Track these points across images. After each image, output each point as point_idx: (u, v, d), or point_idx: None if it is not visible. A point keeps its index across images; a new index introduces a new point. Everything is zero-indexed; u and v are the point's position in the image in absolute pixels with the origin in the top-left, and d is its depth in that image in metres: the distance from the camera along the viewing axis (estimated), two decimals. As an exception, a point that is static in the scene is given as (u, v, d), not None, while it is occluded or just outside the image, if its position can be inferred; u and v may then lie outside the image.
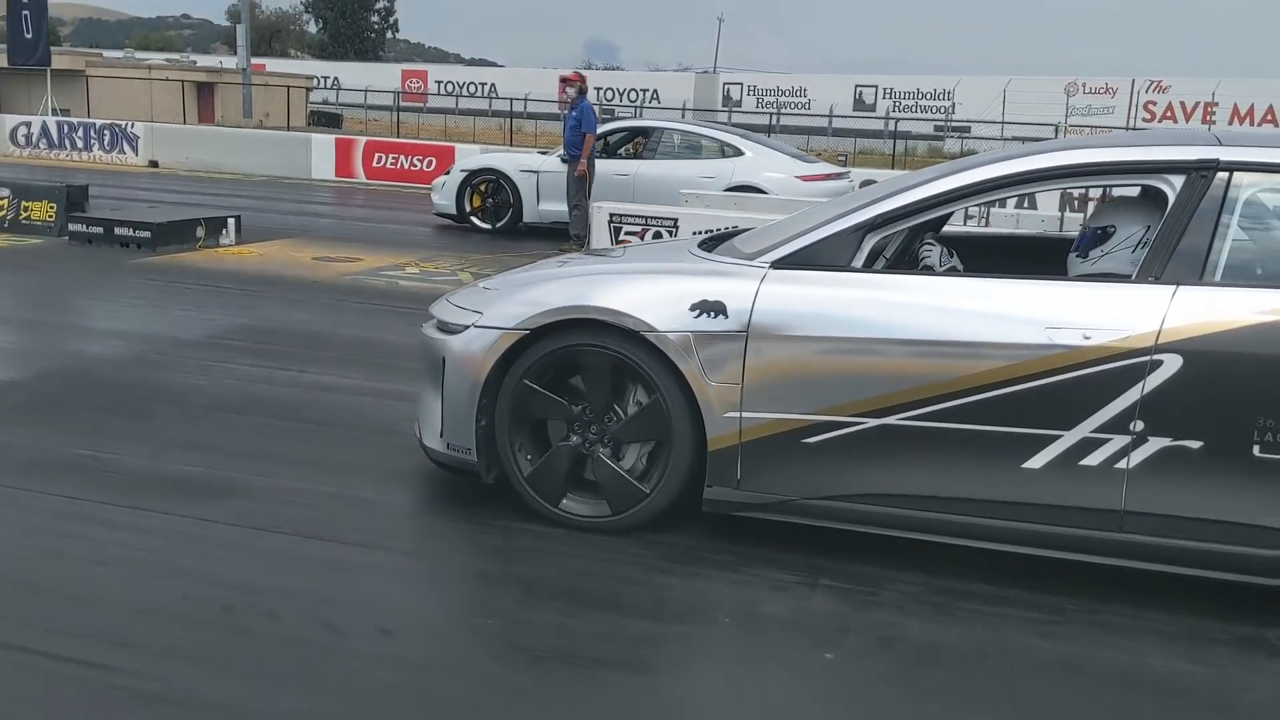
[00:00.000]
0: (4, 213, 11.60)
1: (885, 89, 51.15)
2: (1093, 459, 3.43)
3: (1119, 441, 3.40)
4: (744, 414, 3.71)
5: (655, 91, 55.51)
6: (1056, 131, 32.24)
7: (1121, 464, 3.41)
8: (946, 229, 5.02)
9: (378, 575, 3.61)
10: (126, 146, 23.80)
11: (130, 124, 24.38)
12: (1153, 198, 3.78)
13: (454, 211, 14.09)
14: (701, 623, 3.37)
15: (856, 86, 51.45)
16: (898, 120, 37.70)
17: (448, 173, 14.73)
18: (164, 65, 44.28)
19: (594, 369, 3.92)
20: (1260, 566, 3.37)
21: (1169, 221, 3.53)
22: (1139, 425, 3.37)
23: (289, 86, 39.57)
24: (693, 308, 3.75)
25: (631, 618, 3.35)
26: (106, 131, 24.05)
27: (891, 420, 3.57)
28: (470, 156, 15.14)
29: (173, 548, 3.65)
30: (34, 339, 6.55)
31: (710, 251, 4.22)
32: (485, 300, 4.16)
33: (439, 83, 58.14)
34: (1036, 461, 3.47)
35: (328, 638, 3.10)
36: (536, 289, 4.08)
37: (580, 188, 12.39)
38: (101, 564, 3.50)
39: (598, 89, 55.61)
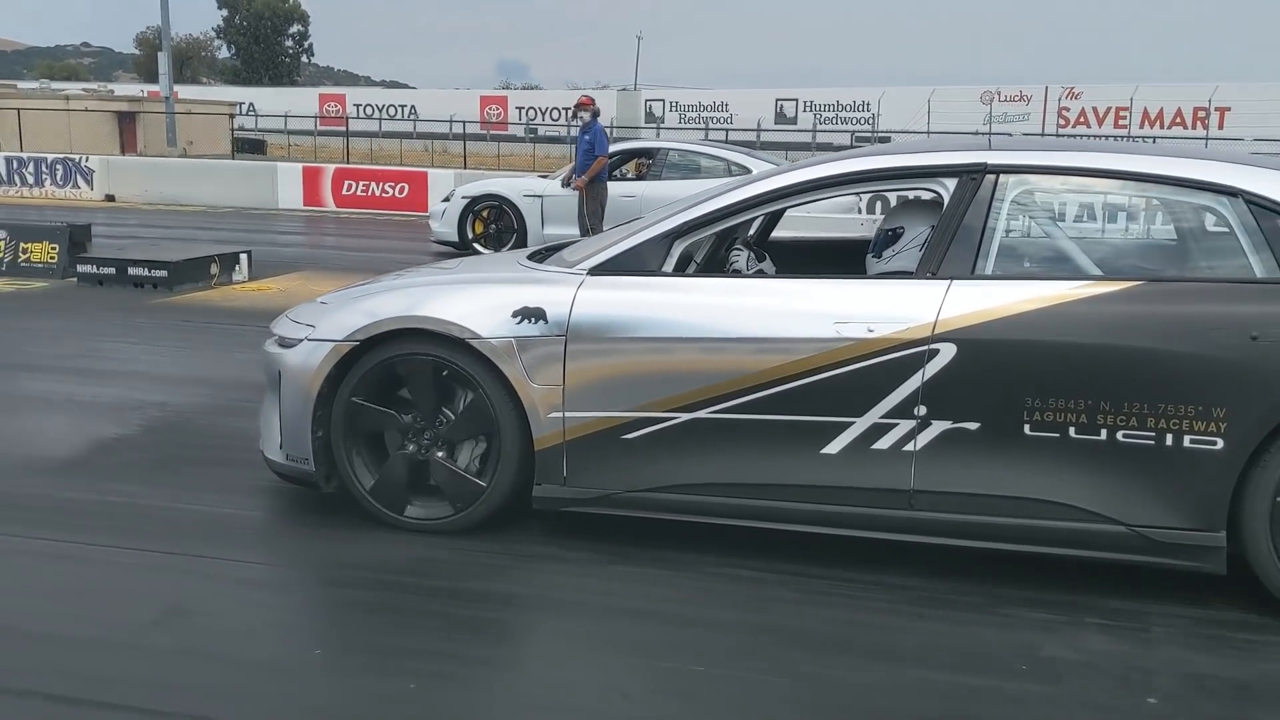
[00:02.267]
0: (1, 254, 11.09)
1: (806, 101, 51.94)
2: (883, 443, 3.70)
3: (905, 426, 3.67)
4: (566, 414, 3.94)
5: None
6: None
7: (909, 446, 3.68)
8: (775, 234, 5.42)
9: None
10: (81, 181, 23.17)
11: (85, 157, 23.79)
12: (938, 200, 4.08)
13: (456, 239, 14.08)
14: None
15: (777, 100, 52.22)
16: (816, 133, 38.48)
17: (447, 199, 14.72)
18: (82, 95, 43.81)
19: (424, 377, 4.09)
20: (1036, 536, 3.65)
21: (943, 221, 3.82)
22: (922, 410, 3.64)
23: (211, 114, 39.39)
24: (515, 314, 3.98)
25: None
26: (59, 166, 23.42)
27: (701, 414, 3.82)
28: (470, 184, 15.12)
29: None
30: (109, 389, 6.39)
31: (540, 262, 4.44)
32: (319, 314, 4.32)
33: (357, 105, 57.97)
34: (834, 447, 3.74)
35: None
36: (368, 301, 4.25)
37: (599, 210, 12.34)
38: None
39: (519, 108, 55.96)
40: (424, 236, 15.71)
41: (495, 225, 14.14)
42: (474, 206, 14.21)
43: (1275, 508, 3.47)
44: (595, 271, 4.07)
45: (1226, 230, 3.68)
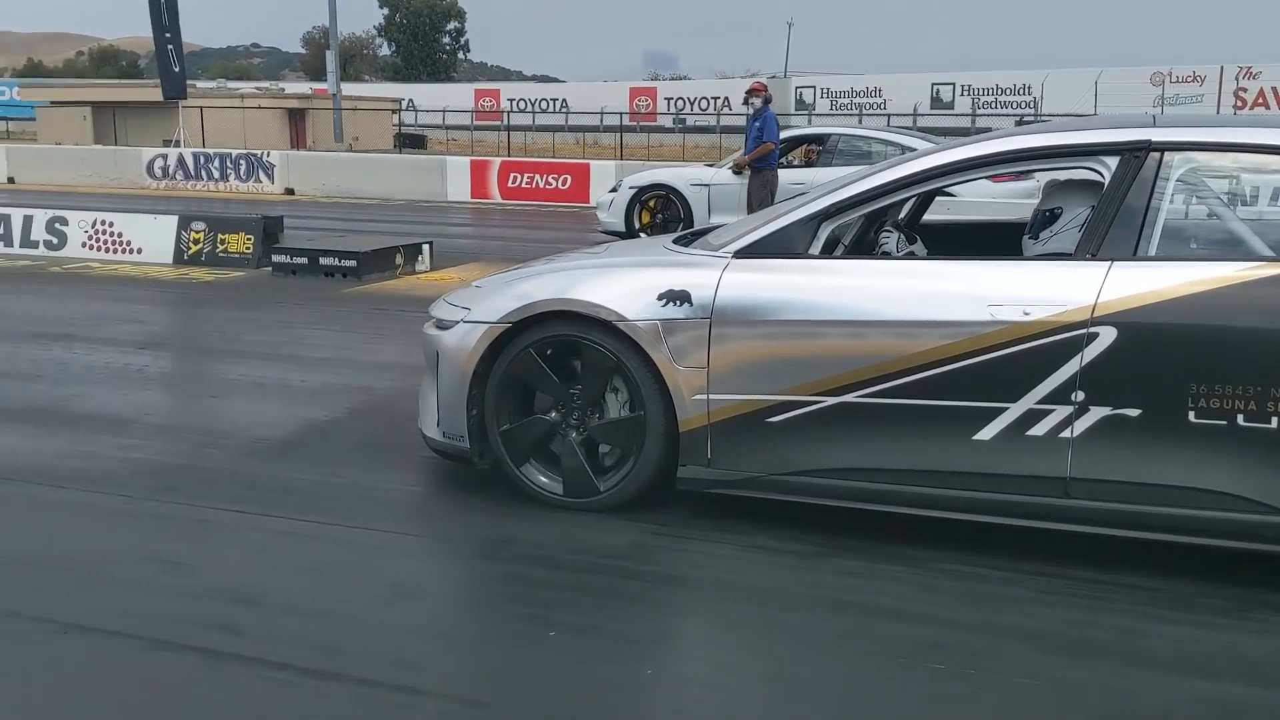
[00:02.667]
0: (200, 246, 11.66)
1: (963, 86, 50.62)
2: (1038, 429, 3.59)
3: (1062, 412, 3.55)
4: (711, 396, 3.94)
5: (727, 99, 55.61)
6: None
7: (1065, 433, 3.56)
8: (926, 218, 5.29)
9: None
10: (263, 175, 24.44)
11: (266, 153, 25.13)
12: (1098, 180, 3.87)
13: (623, 229, 14.08)
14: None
15: (933, 85, 51.01)
16: (976, 117, 37.39)
17: (614, 190, 14.87)
18: (255, 93, 45.85)
19: (574, 359, 4.16)
20: (1197, 527, 3.51)
21: (1104, 201, 3.68)
22: (1080, 396, 3.52)
23: (375, 109, 40.68)
24: (660, 297, 4.00)
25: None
26: (243, 161, 24.70)
27: (849, 398, 3.77)
28: (637, 174, 15.15)
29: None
30: (316, 375, 6.62)
31: (686, 246, 4.44)
32: (474, 297, 4.45)
33: (511, 100, 59.13)
34: (986, 433, 3.64)
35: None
36: (522, 285, 4.33)
37: (769, 197, 12.17)
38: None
39: (667, 99, 56.08)
40: (588, 226, 15.91)
41: (662, 215, 14.11)
42: (641, 196, 14.24)
43: None
44: (741, 254, 4.04)
45: None
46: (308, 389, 6.33)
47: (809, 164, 13.97)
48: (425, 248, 11.64)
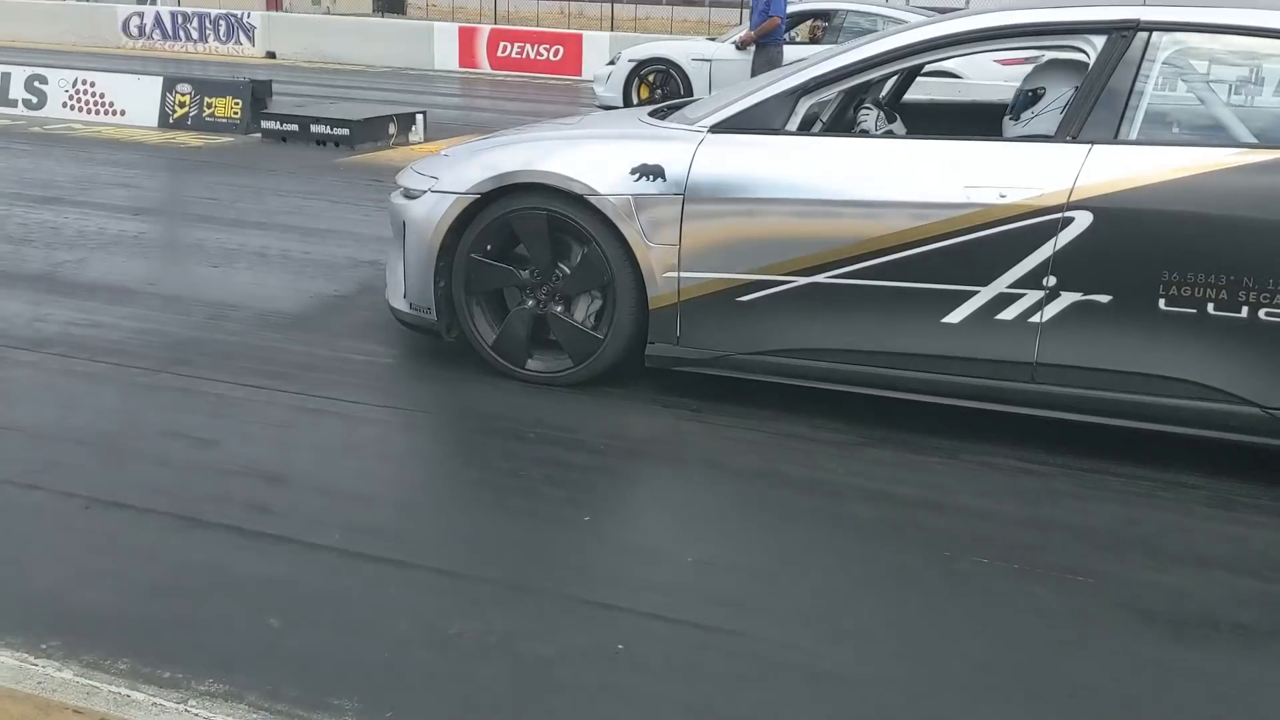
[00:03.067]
0: (186, 109, 11.20)
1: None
2: (1008, 313, 3.57)
3: (1033, 297, 3.53)
4: (682, 274, 3.89)
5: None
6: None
7: (1035, 318, 3.55)
8: (907, 97, 5.19)
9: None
10: (243, 37, 23.25)
11: (247, 14, 23.96)
12: (1084, 61, 3.80)
13: (621, 104, 13.72)
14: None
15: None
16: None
17: (612, 63, 14.52)
18: (228, -50, 44.05)
19: (542, 232, 4.07)
20: (1162, 414, 3.53)
21: (1088, 81, 3.60)
22: (1051, 280, 3.50)
23: (352, -30, 39.20)
24: (633, 171, 3.90)
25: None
26: (222, 21, 23.62)
27: (820, 278, 3.72)
28: (636, 47, 14.82)
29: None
30: (320, 246, 6.44)
31: (663, 119, 4.31)
32: (442, 166, 4.32)
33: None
34: (955, 316, 3.63)
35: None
36: (490, 154, 4.21)
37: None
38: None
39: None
40: (581, 99, 15.59)
41: (662, 90, 13.78)
42: (640, 70, 13.92)
43: None
44: (716, 129, 3.93)
45: None
46: (313, 261, 6.16)
47: (814, 40, 13.61)
48: (419, 117, 11.32)
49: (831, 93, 4.08)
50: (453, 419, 4.10)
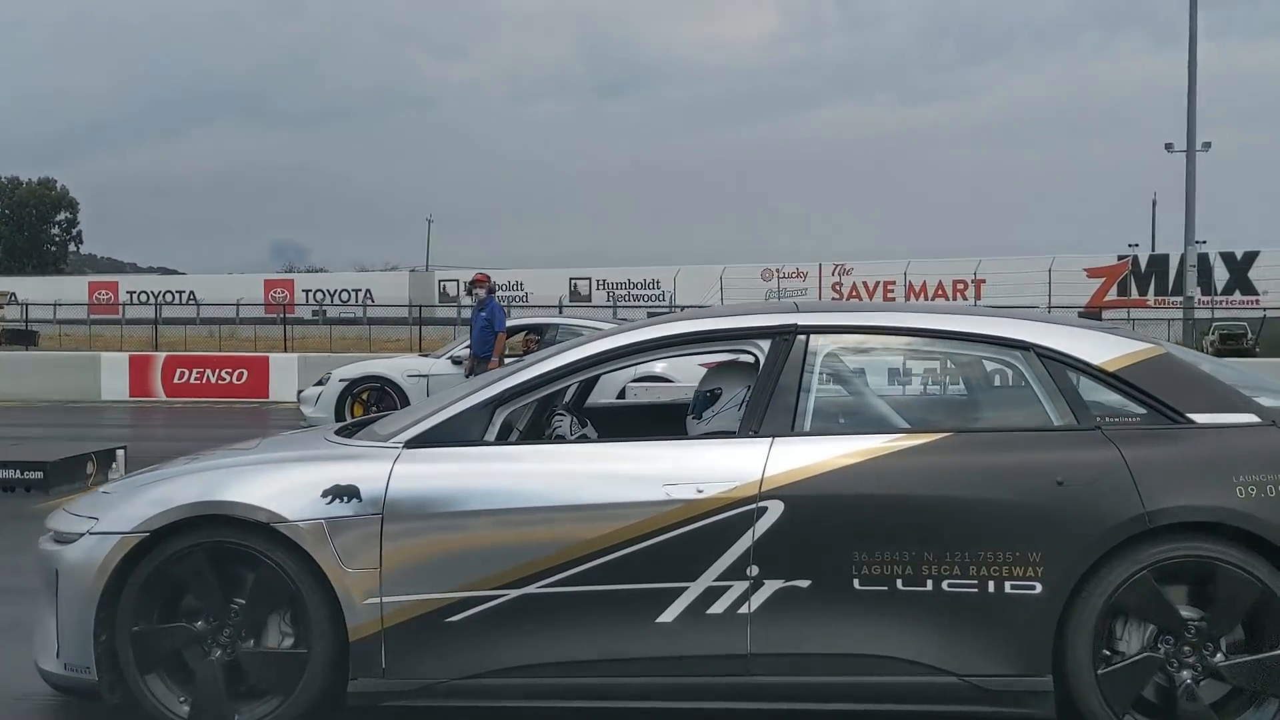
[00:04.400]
0: None
1: (599, 280, 53.68)
2: (718, 606, 3.59)
3: (739, 587, 3.58)
4: (384, 599, 3.66)
5: (369, 291, 55.70)
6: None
7: (744, 609, 3.58)
8: (593, 401, 5.37)
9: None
10: None
11: None
12: (753, 361, 4.08)
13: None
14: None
15: (571, 279, 53.67)
16: (616, 308, 39.61)
17: (320, 383, 13.98)
18: None
19: (218, 569, 3.75)
20: (872, 693, 3.60)
21: (760, 380, 3.86)
22: (755, 570, 3.57)
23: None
24: (325, 494, 3.70)
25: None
26: None
27: (530, 589, 3.63)
28: (348, 365, 14.59)
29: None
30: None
31: (350, 437, 4.19)
32: (103, 505, 3.96)
33: (130, 293, 56.03)
34: (668, 615, 3.61)
35: None
36: (160, 488, 3.91)
37: None
38: None
39: (305, 291, 55.23)
40: (275, 422, 14.85)
41: (378, 407, 13.35)
42: (353, 389, 13.63)
43: (1096, 646, 3.53)
44: (412, 444, 3.86)
45: (1023, 383, 3.88)
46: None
47: (528, 353, 13.95)
48: (119, 453, 10.25)
49: (525, 401, 4.10)
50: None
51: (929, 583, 3.57)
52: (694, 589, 3.61)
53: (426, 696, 3.71)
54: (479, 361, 12.28)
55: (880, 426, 3.92)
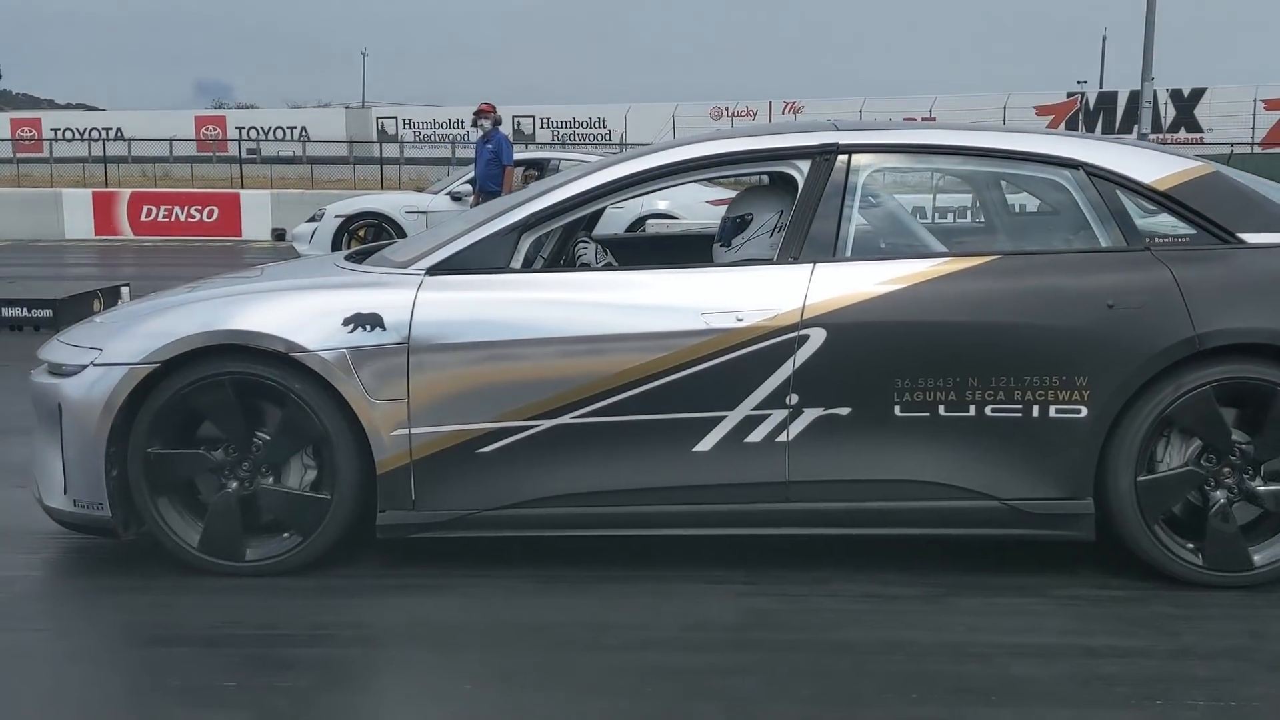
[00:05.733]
0: None
1: (543, 118, 52.36)
2: (756, 435, 3.56)
3: (778, 416, 3.55)
4: (413, 430, 3.57)
5: (304, 128, 53.86)
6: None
7: (782, 437, 3.56)
8: (599, 233, 5.16)
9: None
10: None
11: None
12: (782, 184, 3.99)
13: None
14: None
15: (514, 117, 52.18)
16: (565, 148, 38.76)
17: (315, 219, 13.61)
18: None
19: (232, 400, 3.62)
20: (911, 518, 3.64)
21: (800, 203, 3.71)
22: (794, 398, 3.54)
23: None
24: (346, 322, 3.57)
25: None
26: None
27: (565, 420, 3.56)
28: (341, 201, 14.21)
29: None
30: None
31: (359, 264, 4.06)
32: (103, 335, 3.77)
33: (55, 130, 53.64)
34: (705, 444, 3.57)
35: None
36: (164, 317, 3.74)
37: None
38: None
39: (238, 129, 53.37)
40: (258, 261, 14.26)
41: None
42: (349, 226, 13.30)
43: (1139, 470, 3.54)
44: (435, 271, 3.70)
45: (1072, 202, 3.79)
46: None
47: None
48: (124, 290, 9.87)
49: (551, 228, 3.94)
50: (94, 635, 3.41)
51: (972, 408, 3.54)
52: (732, 418, 3.55)
53: (458, 528, 3.65)
54: (485, 197, 11.78)
55: (924, 250, 3.82)
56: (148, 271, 13.87)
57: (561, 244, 4.46)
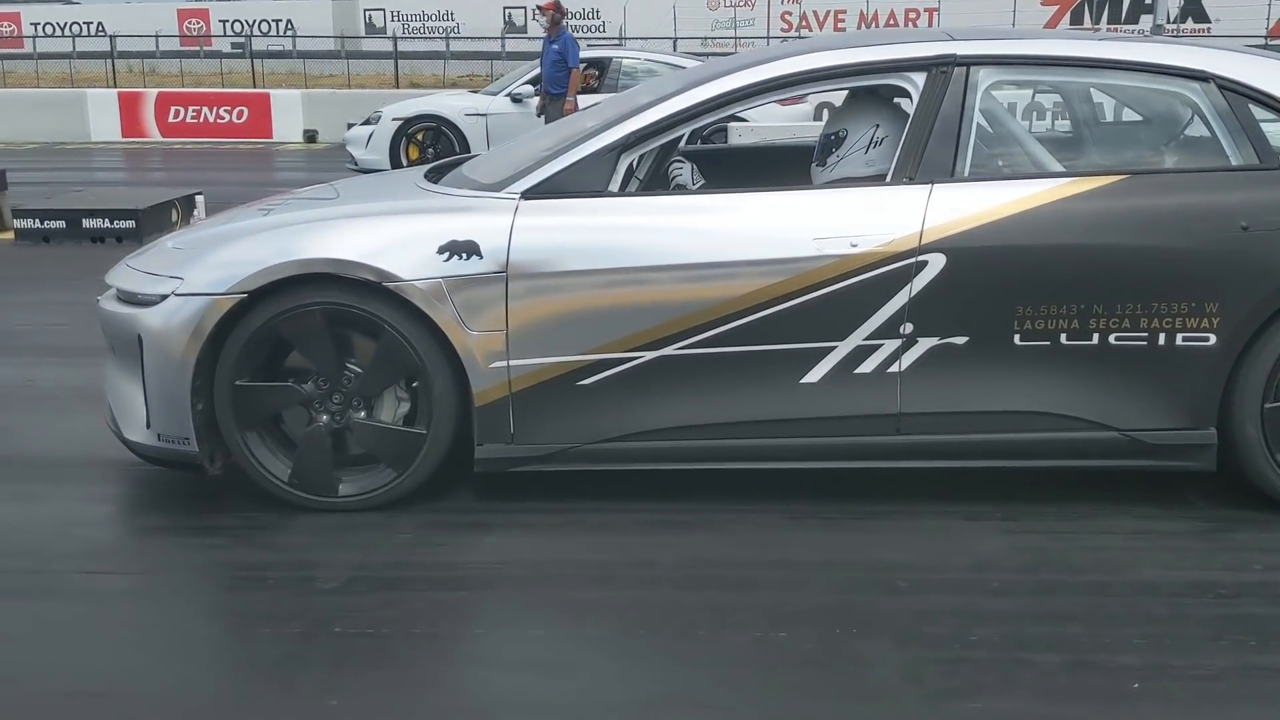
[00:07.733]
0: None
1: (532, 10, 50.99)
2: (866, 366, 3.45)
3: (890, 346, 3.43)
4: (512, 362, 3.45)
5: (290, 21, 52.36)
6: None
7: (894, 368, 3.44)
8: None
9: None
10: None
11: None
12: (876, 96, 3.84)
13: (388, 166, 12.15)
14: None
15: (505, 9, 50.86)
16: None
17: (370, 122, 13.09)
18: None
19: (327, 332, 3.49)
20: (1027, 449, 3.53)
21: (917, 119, 3.53)
22: (908, 327, 3.41)
23: None
24: (441, 250, 3.42)
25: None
26: None
27: (669, 351, 3.44)
28: (399, 103, 13.59)
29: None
30: None
31: (437, 182, 3.87)
32: (182, 262, 3.59)
33: (35, 25, 52.14)
34: (814, 375, 3.46)
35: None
36: (247, 243, 3.58)
37: None
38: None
39: (223, 22, 51.93)
40: (282, 164, 14.07)
41: (434, 149, 12.62)
42: (407, 129, 12.82)
43: (1265, 395, 3.43)
44: (530, 194, 3.52)
45: (1201, 118, 3.61)
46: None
47: (588, 89, 13.02)
48: (199, 199, 9.57)
49: (652, 146, 3.75)
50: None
51: (1095, 336, 3.41)
52: (842, 348, 3.42)
53: (559, 461, 3.54)
54: (552, 100, 11.38)
55: (1047, 170, 3.61)
56: (192, 177, 13.33)
57: (657, 163, 4.25)
